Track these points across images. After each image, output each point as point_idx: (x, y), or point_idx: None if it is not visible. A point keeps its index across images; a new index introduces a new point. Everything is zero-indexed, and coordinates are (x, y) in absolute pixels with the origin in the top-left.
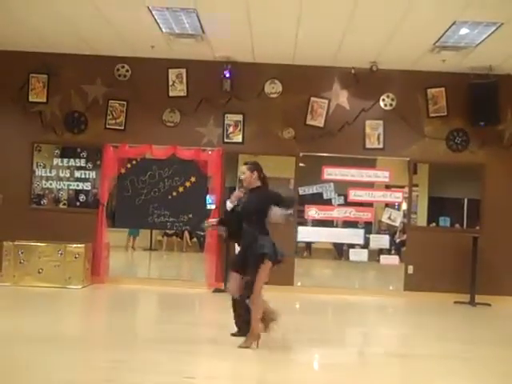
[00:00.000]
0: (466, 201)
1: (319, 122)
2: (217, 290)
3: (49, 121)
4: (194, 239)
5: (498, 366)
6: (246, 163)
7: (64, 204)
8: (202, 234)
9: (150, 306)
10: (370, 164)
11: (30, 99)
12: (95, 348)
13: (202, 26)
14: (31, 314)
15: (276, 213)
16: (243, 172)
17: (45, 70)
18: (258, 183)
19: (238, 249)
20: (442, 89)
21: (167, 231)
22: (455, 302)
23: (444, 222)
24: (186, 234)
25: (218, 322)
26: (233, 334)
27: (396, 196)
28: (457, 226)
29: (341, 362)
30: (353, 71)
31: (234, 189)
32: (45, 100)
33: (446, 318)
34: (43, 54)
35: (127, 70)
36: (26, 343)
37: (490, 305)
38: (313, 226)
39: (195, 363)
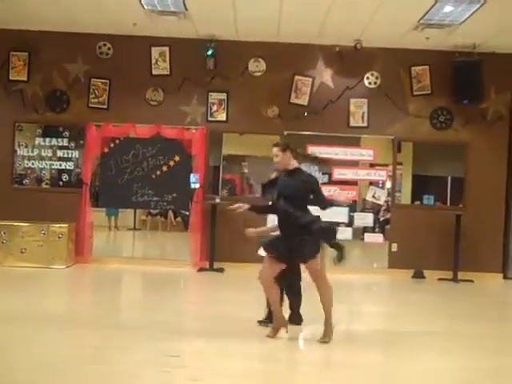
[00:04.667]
0: (449, 179)
1: (303, 100)
2: (201, 269)
3: (30, 100)
4: (179, 218)
5: (481, 341)
6: (276, 144)
7: (47, 184)
8: (187, 213)
9: (135, 285)
10: (355, 142)
11: (11, 77)
12: (80, 327)
13: (184, 3)
14: (15, 293)
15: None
16: (276, 154)
17: (25, 47)
18: (296, 164)
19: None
20: (426, 67)
21: (151, 211)
22: (439, 279)
23: (428, 200)
24: (170, 213)
25: (203, 301)
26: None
27: (380, 174)
28: (437, 203)
29: None
30: (337, 49)
31: (218, 168)
32: (26, 78)
33: (430, 294)
34: (23, 32)
35: (109, 48)
36: (11, 323)
37: (472, 281)
38: None
39: (180, 341)
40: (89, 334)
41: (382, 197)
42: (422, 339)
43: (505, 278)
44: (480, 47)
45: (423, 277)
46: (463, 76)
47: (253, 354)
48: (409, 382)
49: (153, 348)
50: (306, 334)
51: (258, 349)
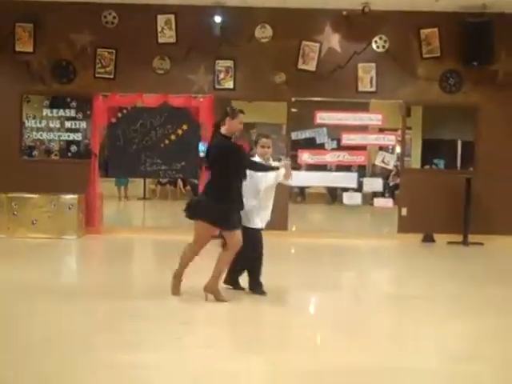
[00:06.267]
0: (459, 142)
1: (311, 65)
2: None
3: (37, 71)
4: (188, 187)
5: (492, 303)
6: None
7: (56, 155)
8: (196, 181)
9: (146, 254)
10: (363, 107)
11: (17, 49)
12: (92, 297)
13: None
14: (27, 264)
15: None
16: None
17: (30, 18)
18: None
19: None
20: (436, 29)
21: (160, 180)
22: (449, 243)
23: (438, 164)
24: (180, 182)
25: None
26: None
27: (389, 139)
28: (440, 167)
29: (337, 305)
30: (344, 13)
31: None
32: (31, 50)
33: (439, 258)
34: (28, 2)
35: (114, 17)
36: (23, 293)
37: (482, 244)
38: (306, 170)
39: (191, 309)
40: (100, 304)
41: (391, 161)
42: (429, 303)
43: None
44: (490, 7)
45: (433, 241)
46: (473, 37)
47: (263, 322)
48: (416, 345)
49: (164, 316)
50: (315, 300)
51: (270, 316)
